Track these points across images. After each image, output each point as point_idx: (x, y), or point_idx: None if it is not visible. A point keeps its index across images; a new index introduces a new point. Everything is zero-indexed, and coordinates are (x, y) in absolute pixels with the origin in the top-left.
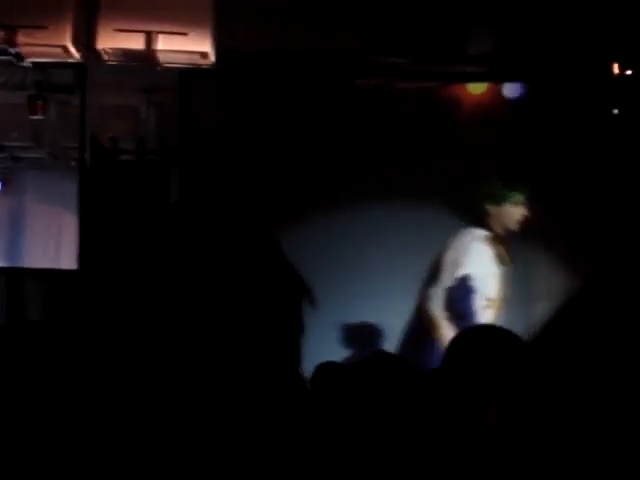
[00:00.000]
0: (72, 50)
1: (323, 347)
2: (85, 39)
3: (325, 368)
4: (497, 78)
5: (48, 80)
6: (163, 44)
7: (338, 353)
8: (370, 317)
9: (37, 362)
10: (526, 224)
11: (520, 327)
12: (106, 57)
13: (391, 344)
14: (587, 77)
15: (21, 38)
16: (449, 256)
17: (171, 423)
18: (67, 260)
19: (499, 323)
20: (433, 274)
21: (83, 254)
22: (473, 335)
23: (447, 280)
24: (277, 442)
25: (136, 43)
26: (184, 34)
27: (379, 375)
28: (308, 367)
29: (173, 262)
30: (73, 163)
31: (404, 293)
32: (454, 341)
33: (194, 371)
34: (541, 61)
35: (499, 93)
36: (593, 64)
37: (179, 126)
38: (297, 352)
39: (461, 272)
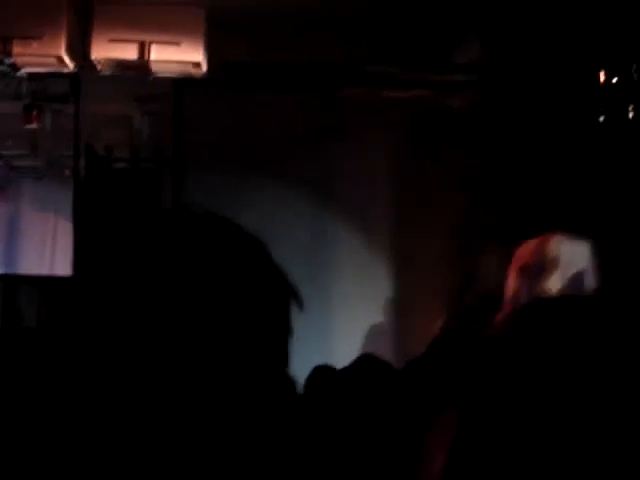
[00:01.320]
0: (66, 60)
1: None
2: (79, 49)
3: (319, 372)
4: (485, 87)
5: (43, 90)
6: (156, 54)
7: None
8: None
9: (32, 368)
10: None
11: None
12: (100, 67)
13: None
14: (574, 85)
15: (16, 48)
16: None
17: (163, 427)
18: (62, 266)
19: None
20: None
21: (78, 261)
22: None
23: None
24: (268, 445)
25: (129, 53)
26: (177, 44)
27: (368, 378)
28: (303, 371)
29: (165, 268)
30: (68, 171)
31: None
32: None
33: (185, 374)
34: (528, 69)
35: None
36: (580, 72)
37: (173, 135)
38: (286, 354)
39: None
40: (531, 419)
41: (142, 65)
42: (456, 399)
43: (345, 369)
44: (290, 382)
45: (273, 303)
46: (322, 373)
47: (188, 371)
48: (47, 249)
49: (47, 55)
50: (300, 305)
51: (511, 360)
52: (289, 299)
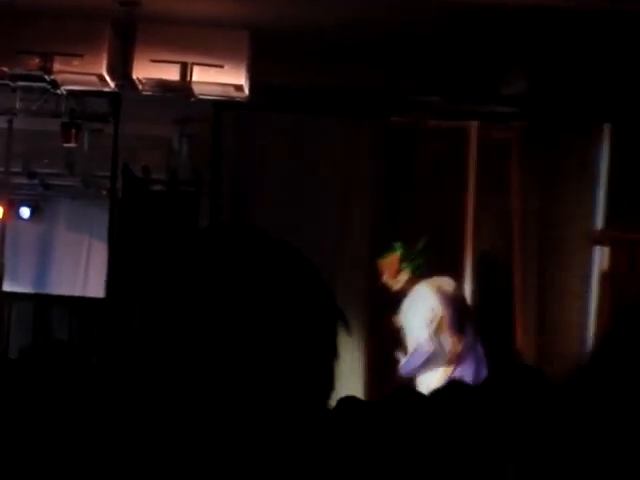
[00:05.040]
0: (107, 79)
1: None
2: (120, 68)
3: (346, 403)
4: (529, 118)
5: (82, 108)
6: (198, 76)
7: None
8: None
9: (64, 385)
10: None
11: None
12: (141, 87)
13: None
14: (616, 116)
15: (56, 66)
16: None
17: (198, 446)
18: (95, 288)
19: None
20: None
21: (111, 283)
22: None
23: None
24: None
25: (171, 74)
26: (220, 66)
27: (403, 413)
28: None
29: (203, 291)
30: (104, 192)
31: None
32: None
33: (230, 396)
34: (572, 101)
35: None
36: (623, 105)
37: (211, 158)
38: (332, 377)
39: None
40: None
41: (184, 86)
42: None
43: (380, 402)
44: (328, 409)
45: (320, 326)
46: (350, 405)
47: (232, 393)
48: (80, 270)
49: (88, 73)
50: (347, 329)
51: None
52: (336, 322)
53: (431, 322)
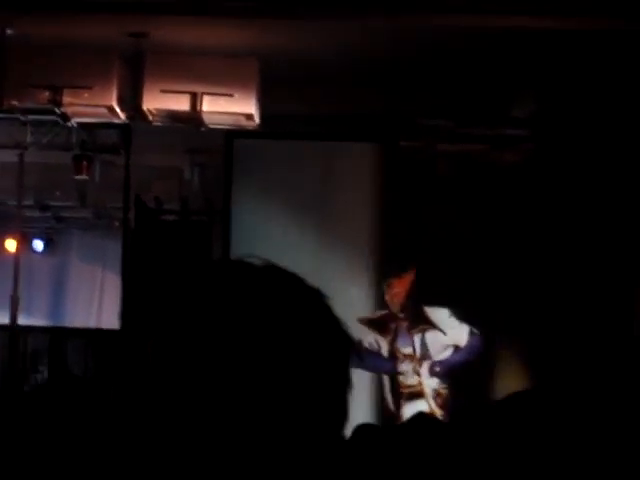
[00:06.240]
0: (117, 110)
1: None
2: (130, 99)
3: (363, 430)
4: (540, 141)
5: (93, 140)
6: (208, 105)
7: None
8: None
9: (79, 417)
10: None
11: None
12: (151, 118)
13: None
14: (626, 141)
15: (67, 98)
16: None
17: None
18: (109, 319)
19: None
20: None
21: (125, 314)
22: None
23: None
24: None
25: (181, 104)
26: (230, 95)
27: (422, 439)
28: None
29: (217, 320)
30: (117, 223)
31: None
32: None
33: (239, 429)
34: (582, 124)
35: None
36: (633, 129)
37: (223, 187)
38: (345, 408)
39: None
40: None
41: (194, 116)
42: None
43: (398, 427)
44: (343, 437)
45: (333, 356)
46: (369, 432)
47: (247, 426)
48: (94, 301)
49: (98, 105)
50: (360, 358)
51: None
52: (348, 351)
53: None
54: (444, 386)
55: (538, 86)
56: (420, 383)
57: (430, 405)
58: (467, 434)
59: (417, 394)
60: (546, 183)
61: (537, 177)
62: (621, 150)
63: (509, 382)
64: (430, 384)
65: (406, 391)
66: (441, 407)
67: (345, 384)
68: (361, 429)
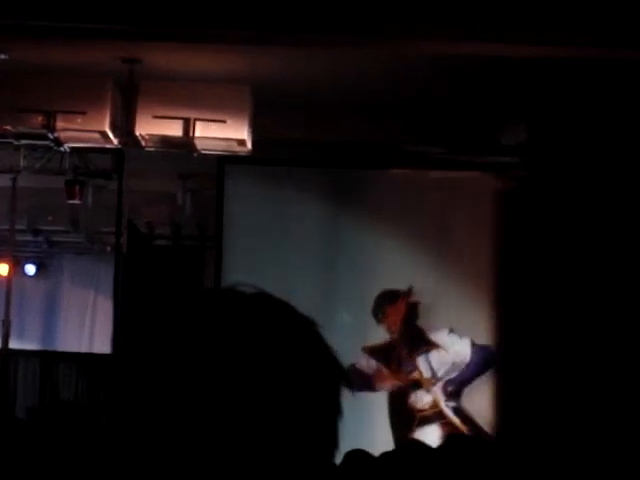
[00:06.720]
0: (110, 136)
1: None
2: (123, 125)
3: (354, 457)
4: (530, 168)
5: (86, 165)
6: (201, 131)
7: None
8: None
9: (70, 442)
10: None
11: None
12: (144, 143)
13: None
14: (617, 168)
15: (59, 123)
16: None
17: None
18: (101, 344)
19: None
20: None
21: (117, 339)
22: None
23: None
24: None
25: (174, 130)
26: (223, 121)
27: (412, 466)
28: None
29: (208, 348)
30: (109, 248)
31: None
32: None
33: (229, 458)
34: (573, 151)
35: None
36: (623, 156)
37: (215, 213)
38: (335, 437)
39: None
40: None
41: (186, 142)
42: None
43: (388, 454)
44: (334, 465)
45: (323, 384)
46: (358, 459)
47: (237, 455)
48: (86, 326)
49: (91, 130)
50: (350, 387)
51: None
52: (339, 380)
53: None
54: (460, 403)
55: (529, 113)
56: (436, 405)
57: (447, 424)
58: (455, 461)
59: (429, 417)
60: (538, 210)
61: (529, 204)
62: (612, 176)
63: (522, 389)
64: (448, 404)
65: (419, 415)
66: (464, 423)
67: (335, 412)
68: (351, 455)
